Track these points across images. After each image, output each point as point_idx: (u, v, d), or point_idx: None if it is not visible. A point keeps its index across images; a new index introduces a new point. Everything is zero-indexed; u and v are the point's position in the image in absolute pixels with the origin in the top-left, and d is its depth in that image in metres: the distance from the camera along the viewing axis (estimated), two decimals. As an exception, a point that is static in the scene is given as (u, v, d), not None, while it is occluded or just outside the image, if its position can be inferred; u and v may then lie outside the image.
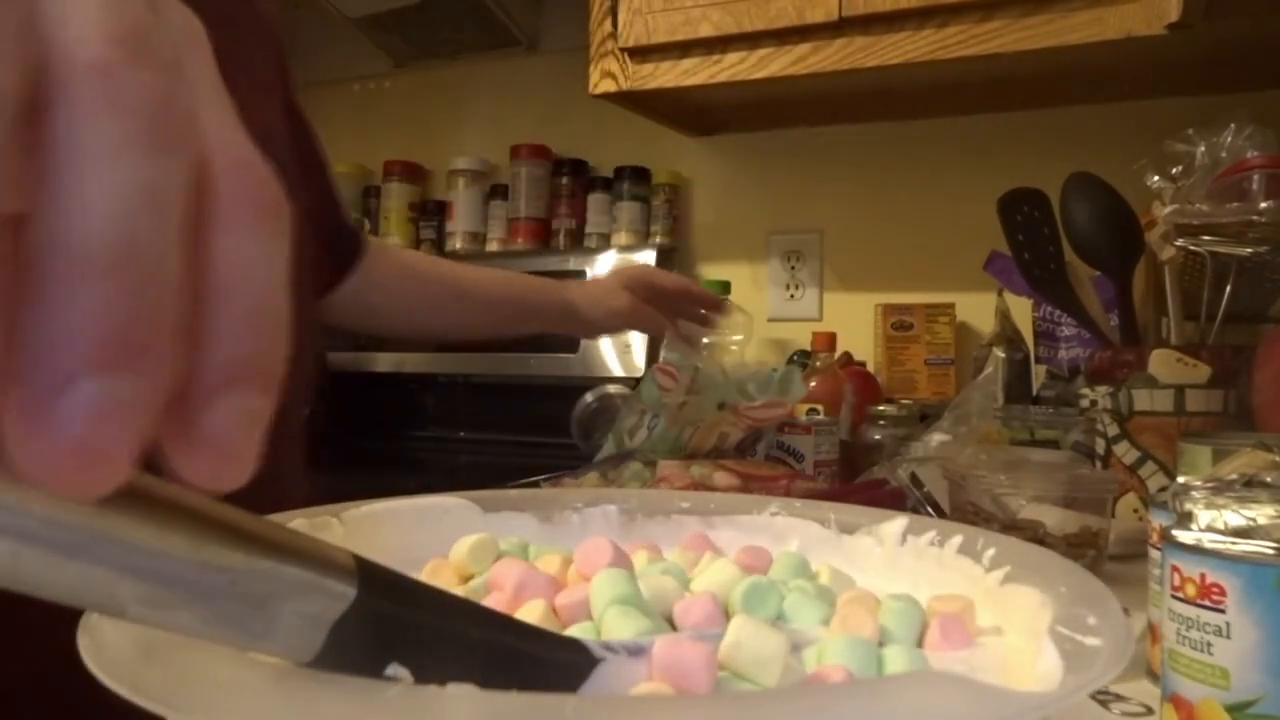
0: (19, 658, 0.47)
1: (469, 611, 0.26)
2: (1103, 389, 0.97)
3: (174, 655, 0.23)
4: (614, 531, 0.42)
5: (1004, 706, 0.21)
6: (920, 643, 0.30)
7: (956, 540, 0.36)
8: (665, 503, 0.43)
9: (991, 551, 0.35)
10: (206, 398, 0.17)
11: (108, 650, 0.24)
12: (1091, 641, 0.25)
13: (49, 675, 0.38)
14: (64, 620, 0.23)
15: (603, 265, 1.73)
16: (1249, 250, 0.92)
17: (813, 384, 1.33)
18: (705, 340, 1.57)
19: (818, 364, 1.38)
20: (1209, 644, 0.41)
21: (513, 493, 0.44)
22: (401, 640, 0.23)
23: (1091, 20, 1.16)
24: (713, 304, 1.17)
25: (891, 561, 0.38)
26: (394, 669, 0.23)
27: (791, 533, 0.41)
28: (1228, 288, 0.94)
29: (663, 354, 1.36)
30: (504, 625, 0.27)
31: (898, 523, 0.39)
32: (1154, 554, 0.55)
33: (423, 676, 0.23)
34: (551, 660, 0.26)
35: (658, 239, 1.78)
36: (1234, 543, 0.41)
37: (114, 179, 0.16)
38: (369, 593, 0.22)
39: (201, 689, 0.21)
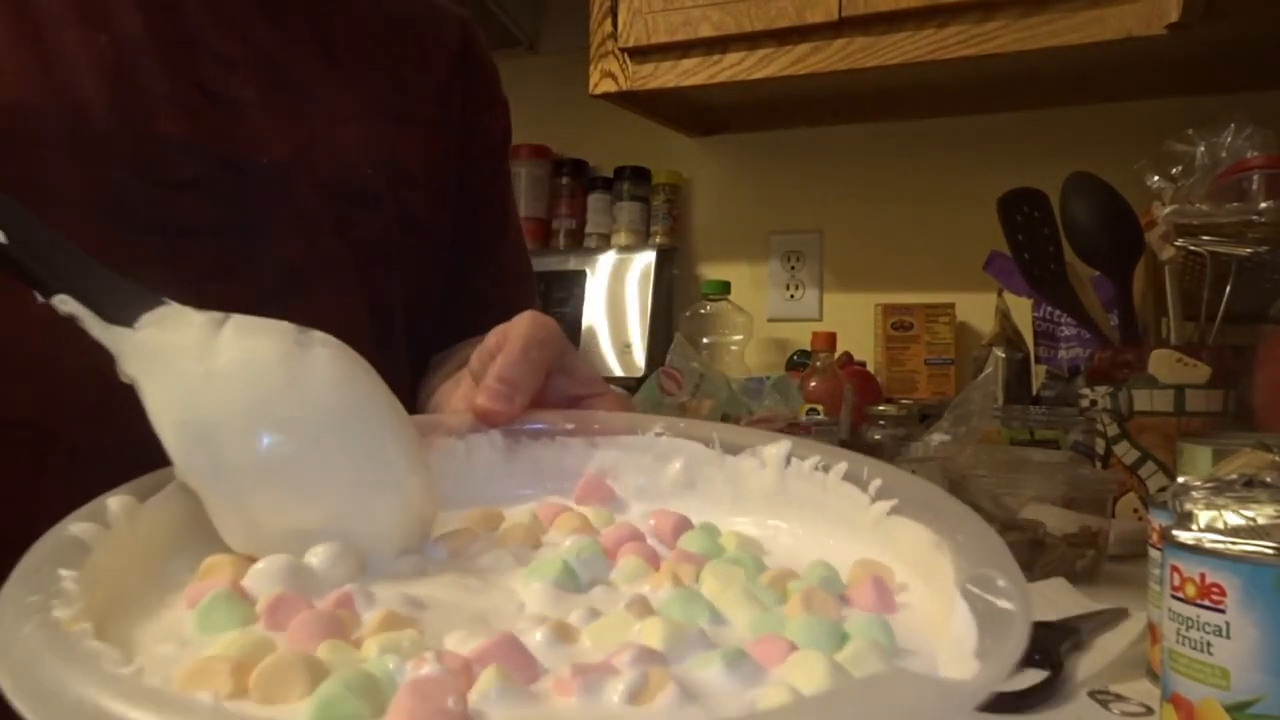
0: None
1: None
2: (1103, 389, 0.98)
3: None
4: (499, 457, 0.41)
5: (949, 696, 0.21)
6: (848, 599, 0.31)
7: (841, 467, 0.36)
8: (549, 423, 0.43)
9: (878, 482, 0.35)
10: None
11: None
12: (1004, 604, 0.25)
13: None
14: None
15: (603, 265, 1.73)
16: (1249, 250, 0.92)
17: (813, 384, 1.33)
18: (706, 340, 1.58)
19: (818, 364, 1.38)
20: (1209, 644, 0.41)
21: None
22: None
23: (1091, 20, 1.16)
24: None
25: (777, 485, 0.38)
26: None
27: (676, 453, 0.41)
28: (1227, 288, 0.94)
29: (670, 357, 1.36)
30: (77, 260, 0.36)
31: (781, 445, 0.39)
32: (1154, 554, 0.55)
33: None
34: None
35: (658, 239, 1.78)
36: (1234, 543, 0.41)
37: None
38: None
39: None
